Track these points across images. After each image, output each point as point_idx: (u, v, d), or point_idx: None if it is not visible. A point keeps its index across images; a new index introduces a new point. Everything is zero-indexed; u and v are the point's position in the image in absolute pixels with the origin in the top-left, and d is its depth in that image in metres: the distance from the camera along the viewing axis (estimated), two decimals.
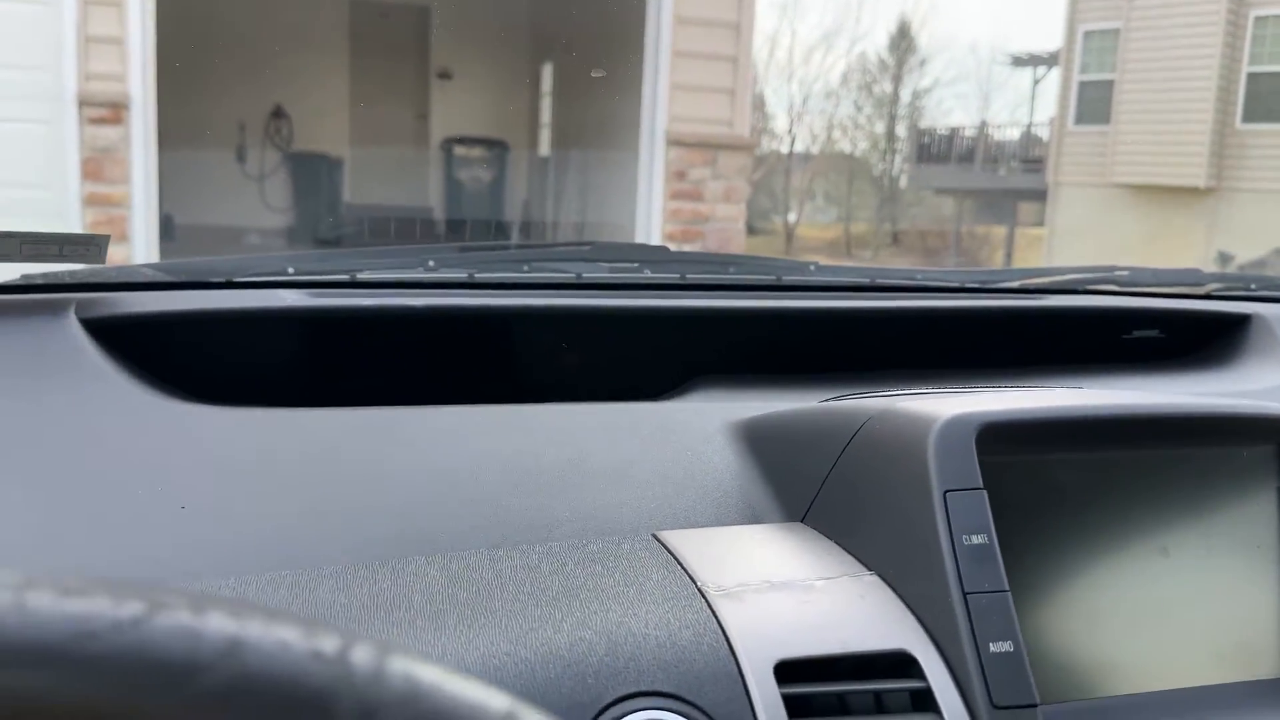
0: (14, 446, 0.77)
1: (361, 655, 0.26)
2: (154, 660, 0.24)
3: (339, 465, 0.77)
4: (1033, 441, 0.65)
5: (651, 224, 6.06)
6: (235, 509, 0.70)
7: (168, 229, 6.01)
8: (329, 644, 0.26)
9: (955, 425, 0.63)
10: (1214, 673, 0.66)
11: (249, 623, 0.26)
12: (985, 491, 0.61)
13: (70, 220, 5.13)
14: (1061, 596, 0.64)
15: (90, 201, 5.23)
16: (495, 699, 0.26)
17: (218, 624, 0.25)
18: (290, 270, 1.11)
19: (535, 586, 0.61)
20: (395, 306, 1.04)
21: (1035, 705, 0.55)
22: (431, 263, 1.17)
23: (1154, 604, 0.66)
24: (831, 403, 0.78)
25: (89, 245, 0.99)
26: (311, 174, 7.44)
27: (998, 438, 0.64)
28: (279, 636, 0.26)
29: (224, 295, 1.05)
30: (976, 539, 0.59)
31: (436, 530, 0.69)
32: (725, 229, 6.38)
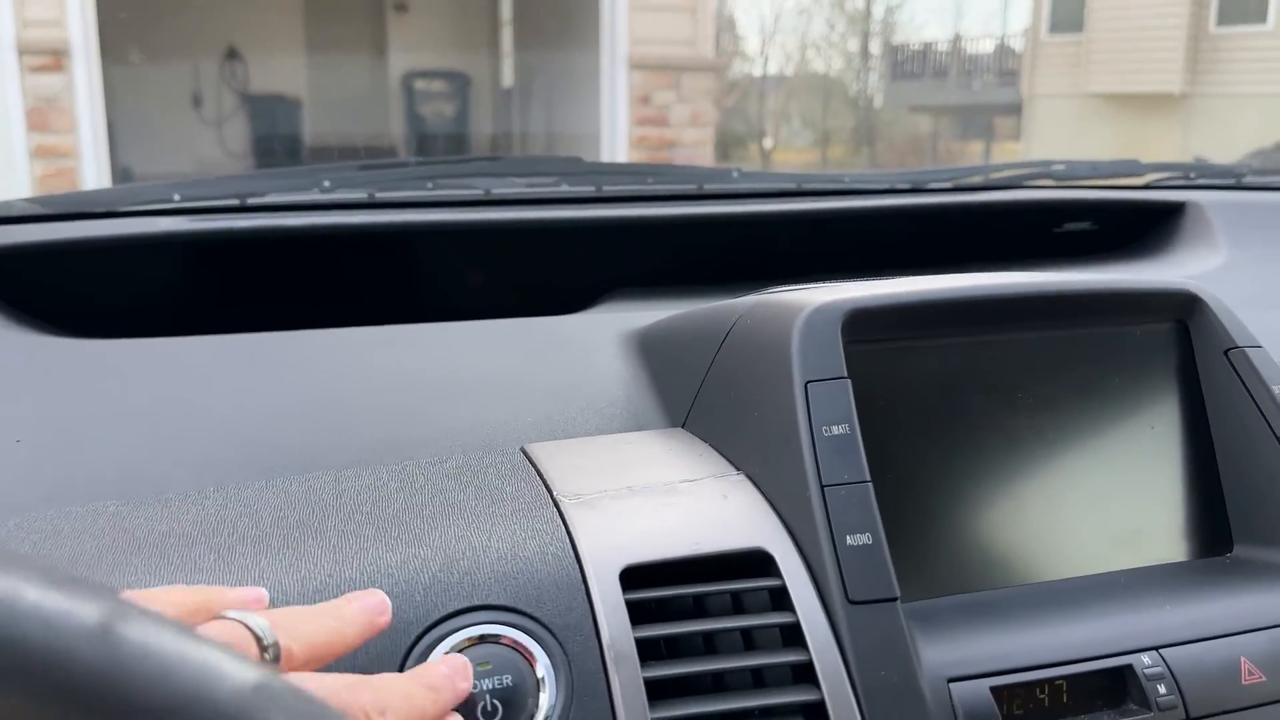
0: None
1: None
2: None
3: (194, 393, 0.73)
4: (908, 327, 0.61)
5: (616, 152, 5.96)
6: (76, 440, 0.66)
7: (125, 179, 5.87)
8: None
9: (820, 314, 0.59)
10: (1106, 560, 0.63)
11: None
12: (849, 381, 0.57)
13: (19, 174, 5.00)
14: (938, 489, 0.60)
15: (38, 153, 5.09)
16: (87, 607, 0.23)
17: None
18: (176, 198, 1.06)
19: (376, 506, 0.57)
20: (278, 227, 0.99)
21: (894, 599, 0.52)
22: (327, 183, 1.11)
23: (1042, 493, 0.63)
24: (715, 303, 0.74)
25: None
26: (269, 116, 7.27)
27: (869, 325, 0.60)
28: None
29: (102, 225, 1.00)
30: (837, 429, 0.55)
31: (288, 456, 0.65)
32: (693, 154, 6.27)
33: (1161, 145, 10.66)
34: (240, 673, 0.23)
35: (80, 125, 5.16)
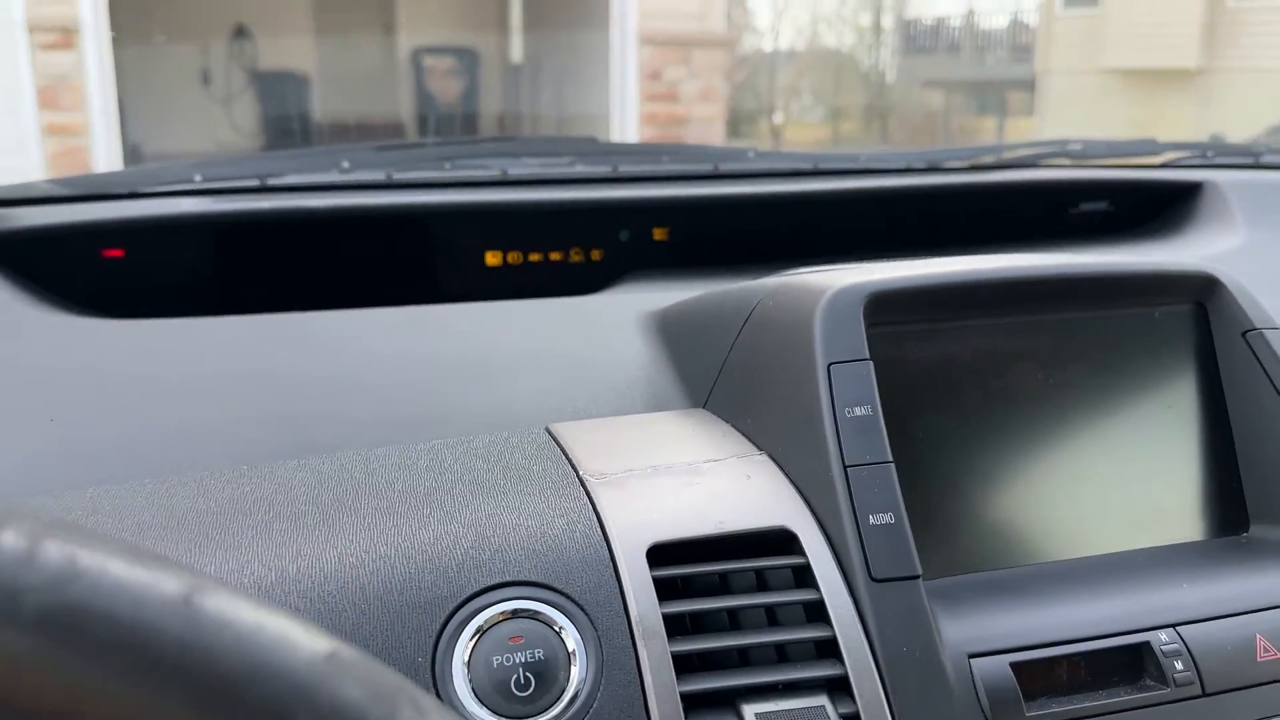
0: None
1: (12, 536, 0.23)
2: None
3: (224, 372, 0.74)
4: (929, 310, 0.62)
5: (626, 128, 5.94)
6: (111, 420, 0.68)
7: (135, 157, 5.88)
8: None
9: (842, 296, 0.60)
10: (1124, 539, 0.64)
11: None
12: (870, 363, 0.58)
13: (30, 152, 5.01)
14: (959, 468, 0.61)
15: (50, 131, 5.10)
16: (169, 581, 0.24)
17: None
18: (197, 178, 1.07)
19: (407, 484, 0.59)
20: (301, 208, 1.00)
21: (916, 577, 0.53)
22: (346, 164, 1.12)
23: (1061, 472, 0.64)
24: (735, 284, 0.75)
25: None
26: (279, 93, 7.26)
27: (891, 307, 0.61)
28: None
29: (124, 206, 1.01)
30: (859, 410, 0.56)
31: (318, 434, 0.66)
32: (704, 130, 6.25)
33: (1179, 121, 10.55)
34: (312, 643, 0.24)
35: (91, 103, 5.16)
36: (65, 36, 5.05)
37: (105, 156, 5.15)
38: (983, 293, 0.62)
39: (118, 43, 5.25)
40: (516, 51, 7.58)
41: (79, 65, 5.07)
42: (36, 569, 0.23)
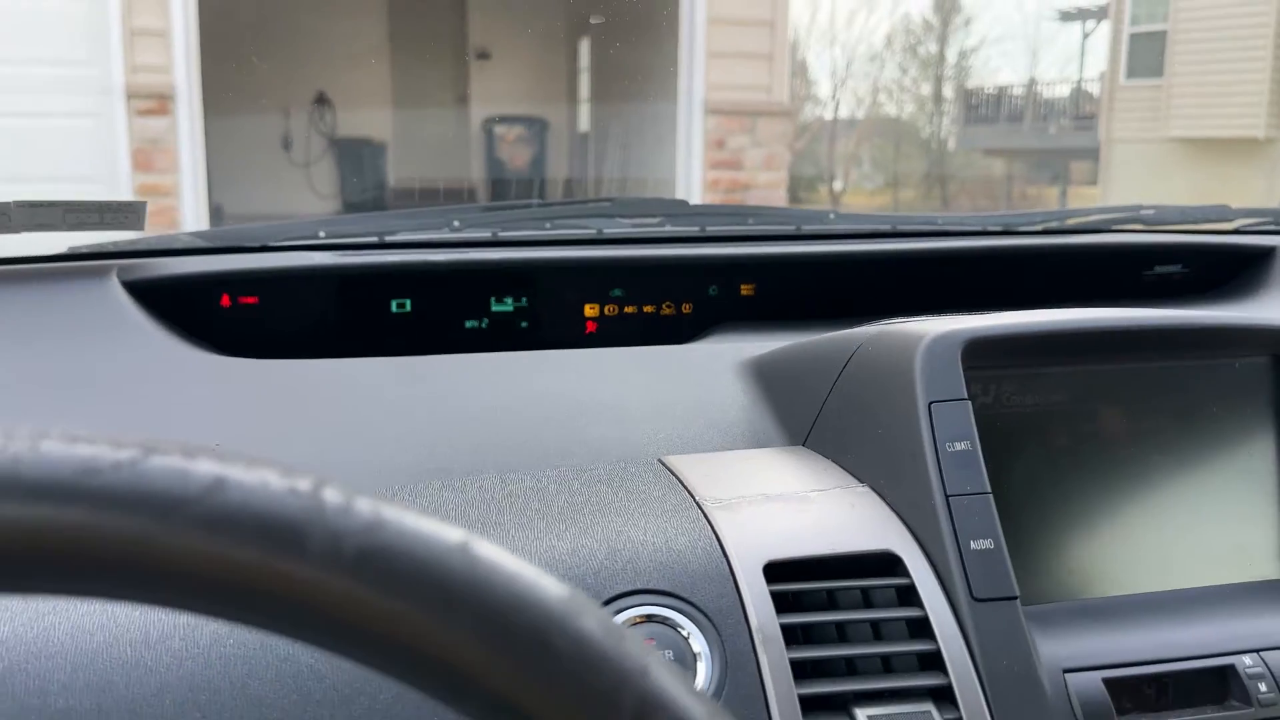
0: (61, 400, 0.82)
1: (332, 493, 0.30)
2: (146, 493, 0.28)
3: (362, 406, 0.81)
4: (1021, 355, 0.67)
5: (691, 194, 6.06)
6: (263, 448, 0.75)
7: (218, 217, 6.14)
8: (304, 484, 0.30)
9: (941, 340, 0.65)
10: (1207, 574, 0.67)
11: (233, 466, 0.29)
12: (969, 402, 0.63)
13: None
14: (1050, 505, 0.66)
15: (141, 192, 5.36)
16: (451, 531, 0.30)
17: (205, 466, 0.29)
18: (321, 234, 1.16)
19: (542, 504, 0.65)
20: (418, 263, 1.08)
21: (1015, 598, 0.58)
22: (457, 223, 1.21)
23: (1146, 509, 0.68)
24: (831, 333, 0.81)
25: (128, 211, 1.04)
26: (356, 159, 7.54)
27: (986, 352, 0.66)
28: (260, 477, 0.29)
29: (258, 258, 1.10)
30: (959, 445, 0.61)
31: (452, 464, 0.73)
32: (766, 197, 6.35)
33: (1245, 191, 10.43)
34: (557, 585, 0.30)
35: (181, 166, 5.44)
36: (161, 103, 5.34)
37: (193, 216, 5.40)
38: (1072, 341, 0.67)
39: (207, 109, 5.54)
40: (585, 119, 7.80)
41: (172, 129, 5.35)
42: (353, 518, 0.29)
